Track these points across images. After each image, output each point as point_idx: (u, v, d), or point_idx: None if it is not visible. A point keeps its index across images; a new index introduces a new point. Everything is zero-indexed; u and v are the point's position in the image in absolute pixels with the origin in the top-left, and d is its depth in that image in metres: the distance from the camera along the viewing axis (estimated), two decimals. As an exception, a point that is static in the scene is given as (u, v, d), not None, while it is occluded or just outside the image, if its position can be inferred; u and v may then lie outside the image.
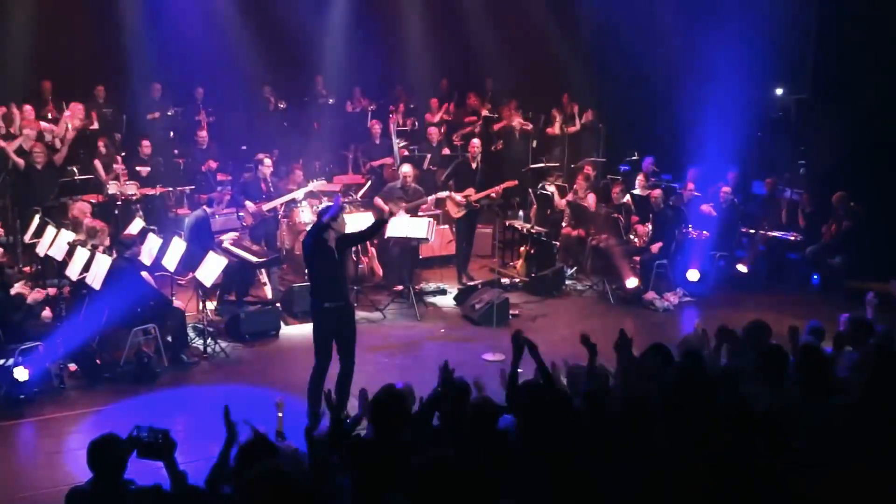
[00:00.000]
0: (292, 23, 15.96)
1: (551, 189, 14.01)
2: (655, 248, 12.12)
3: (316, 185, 12.34)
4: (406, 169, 12.37)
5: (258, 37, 15.82)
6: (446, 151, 15.22)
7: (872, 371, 5.38)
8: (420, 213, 12.20)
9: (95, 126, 14.35)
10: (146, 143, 13.84)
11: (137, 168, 13.52)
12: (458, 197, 12.43)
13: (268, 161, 12.13)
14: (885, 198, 12.13)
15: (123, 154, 13.70)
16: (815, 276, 12.43)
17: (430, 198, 12.40)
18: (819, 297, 12.00)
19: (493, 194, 12.61)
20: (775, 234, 12.66)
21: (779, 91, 15.02)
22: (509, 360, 5.97)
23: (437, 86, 17.21)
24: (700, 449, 4.37)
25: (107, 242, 9.96)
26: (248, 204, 11.70)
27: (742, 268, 12.52)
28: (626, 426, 4.61)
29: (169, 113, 15.46)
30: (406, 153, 14.71)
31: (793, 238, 12.58)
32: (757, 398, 5.35)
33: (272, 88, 16.37)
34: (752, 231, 12.79)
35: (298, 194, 12.12)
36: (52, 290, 9.63)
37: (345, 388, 7.71)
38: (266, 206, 11.80)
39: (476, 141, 13.17)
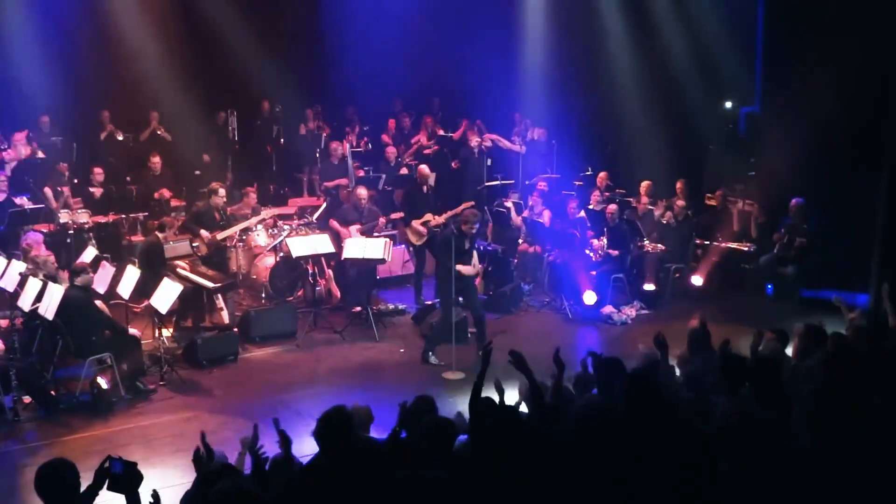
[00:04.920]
0: (243, 45, 15.87)
1: (509, 205, 14.00)
2: (611, 252, 12.18)
3: (267, 213, 12.46)
4: (360, 191, 12.38)
5: (209, 59, 15.70)
6: (403, 171, 15.21)
7: (825, 377, 5.47)
8: (376, 234, 12.19)
9: (41, 154, 14.13)
10: (98, 170, 13.73)
11: (91, 189, 13.37)
12: (418, 225, 12.40)
13: (221, 191, 11.90)
14: (835, 208, 12.32)
15: (76, 181, 13.56)
16: (769, 286, 12.60)
17: (383, 218, 12.42)
18: (773, 306, 12.16)
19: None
20: (729, 244, 12.80)
21: (728, 104, 15.24)
22: (469, 378, 5.96)
23: (389, 107, 17.22)
24: (656, 459, 4.39)
25: (54, 271, 9.83)
26: (204, 233, 11.52)
27: (697, 280, 12.64)
28: (583, 438, 4.62)
29: (119, 138, 15.34)
30: (362, 174, 14.68)
31: (746, 248, 12.74)
32: (715, 406, 5.45)
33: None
34: (707, 243, 12.94)
35: (251, 223, 12.09)
36: (3, 322, 9.47)
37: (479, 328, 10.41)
38: (220, 235, 11.68)
39: (424, 167, 13.16)
